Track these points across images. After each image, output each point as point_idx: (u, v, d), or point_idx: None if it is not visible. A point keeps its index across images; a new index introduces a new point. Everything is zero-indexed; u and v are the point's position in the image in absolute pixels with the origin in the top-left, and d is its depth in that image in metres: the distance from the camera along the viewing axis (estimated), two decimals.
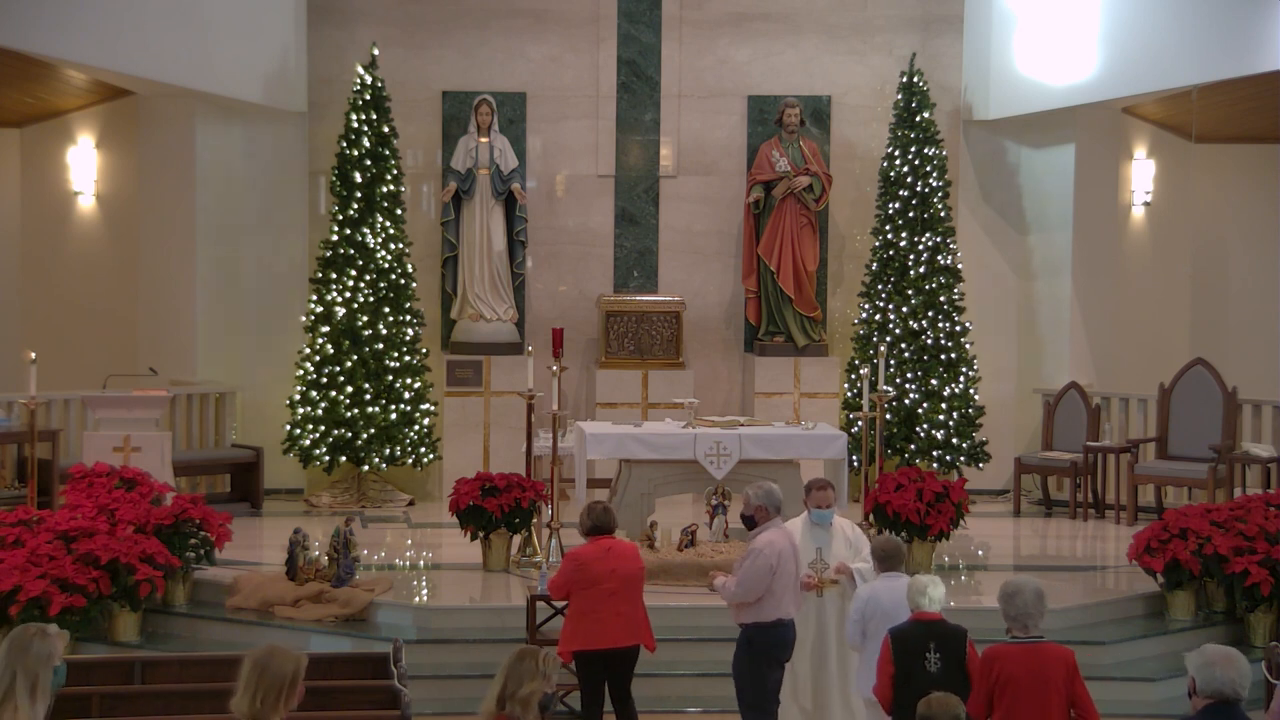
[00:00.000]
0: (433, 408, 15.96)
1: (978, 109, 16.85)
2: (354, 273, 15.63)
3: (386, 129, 15.88)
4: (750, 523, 9.73)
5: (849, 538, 10.04)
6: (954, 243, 16.23)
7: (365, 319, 15.61)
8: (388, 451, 15.65)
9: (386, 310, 15.71)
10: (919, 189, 16.08)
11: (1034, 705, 7.47)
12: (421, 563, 13.67)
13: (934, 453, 15.85)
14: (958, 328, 16.07)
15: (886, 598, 8.97)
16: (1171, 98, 16.16)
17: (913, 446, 15.89)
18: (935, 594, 8.34)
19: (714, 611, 11.82)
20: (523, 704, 6.56)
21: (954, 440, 15.86)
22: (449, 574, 13.10)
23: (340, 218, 15.74)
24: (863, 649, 9.11)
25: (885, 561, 9.20)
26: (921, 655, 8.14)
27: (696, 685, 11.24)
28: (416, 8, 16.61)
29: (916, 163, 16.10)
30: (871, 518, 12.94)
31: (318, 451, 15.59)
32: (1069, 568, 13.76)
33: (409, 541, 14.50)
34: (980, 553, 14.21)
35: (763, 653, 9.54)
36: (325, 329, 15.64)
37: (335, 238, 15.74)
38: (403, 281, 15.84)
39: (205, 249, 16.30)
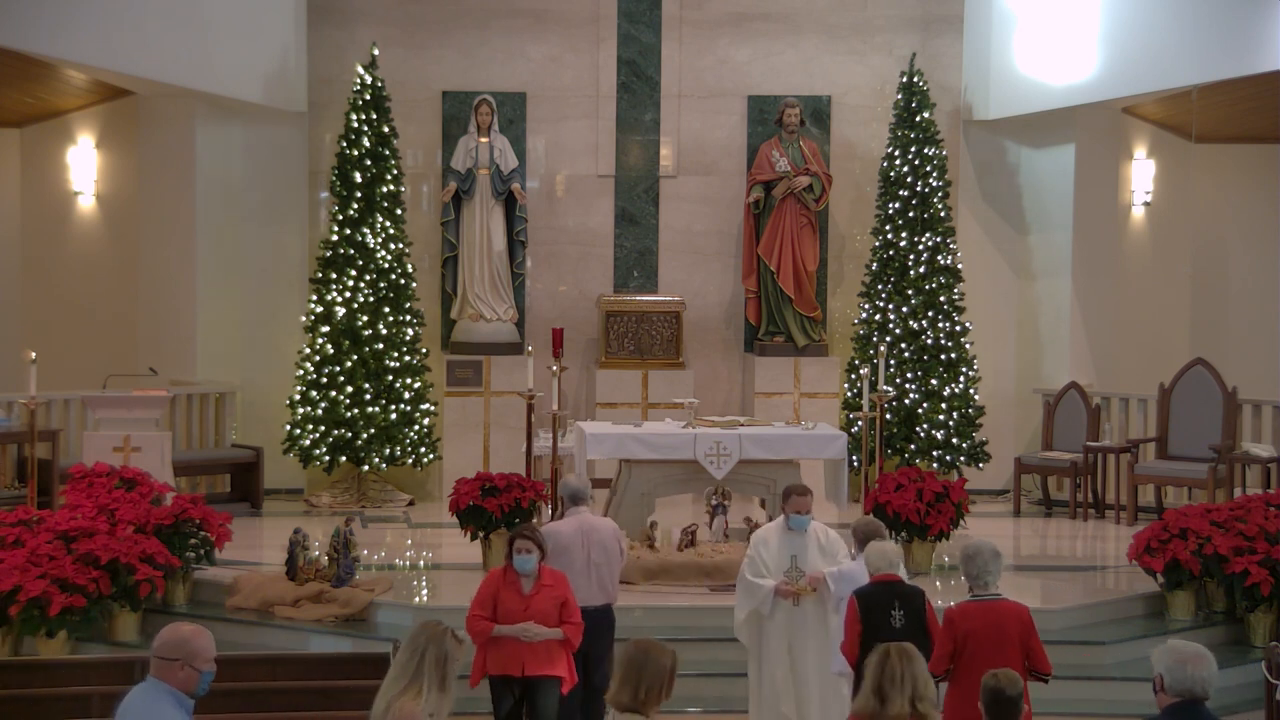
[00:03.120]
0: (433, 408, 15.96)
1: (978, 109, 16.86)
2: (354, 273, 15.63)
3: (386, 129, 15.88)
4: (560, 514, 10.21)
5: (822, 544, 9.98)
6: (954, 243, 16.23)
7: (365, 319, 15.61)
8: (388, 451, 15.65)
9: (386, 310, 15.71)
10: (919, 189, 16.08)
11: (994, 658, 7.92)
12: (421, 563, 13.68)
13: (934, 453, 15.85)
14: (958, 328, 16.06)
15: (863, 578, 9.19)
16: (1171, 98, 16.16)
17: (913, 446, 15.89)
18: (895, 559, 9.00)
19: (714, 611, 11.84)
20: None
21: (954, 440, 15.85)
22: (449, 574, 13.10)
23: (340, 218, 15.74)
24: (835, 624, 9.38)
25: (865, 543, 9.40)
26: (887, 613, 8.74)
27: (697, 685, 11.23)
28: (416, 8, 16.61)
29: (916, 163, 16.10)
30: (871, 518, 12.93)
31: (318, 451, 15.59)
32: (1069, 568, 13.76)
33: (409, 541, 14.50)
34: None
35: None
36: (325, 329, 15.64)
37: (335, 238, 15.74)
38: (403, 281, 15.85)
39: (205, 249, 16.29)
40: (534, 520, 12.96)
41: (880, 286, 16.17)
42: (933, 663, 8.28)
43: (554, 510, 12.94)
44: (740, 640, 10.00)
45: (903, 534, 12.75)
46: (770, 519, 12.87)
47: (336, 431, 15.56)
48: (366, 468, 15.72)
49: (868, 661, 6.58)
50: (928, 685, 6.48)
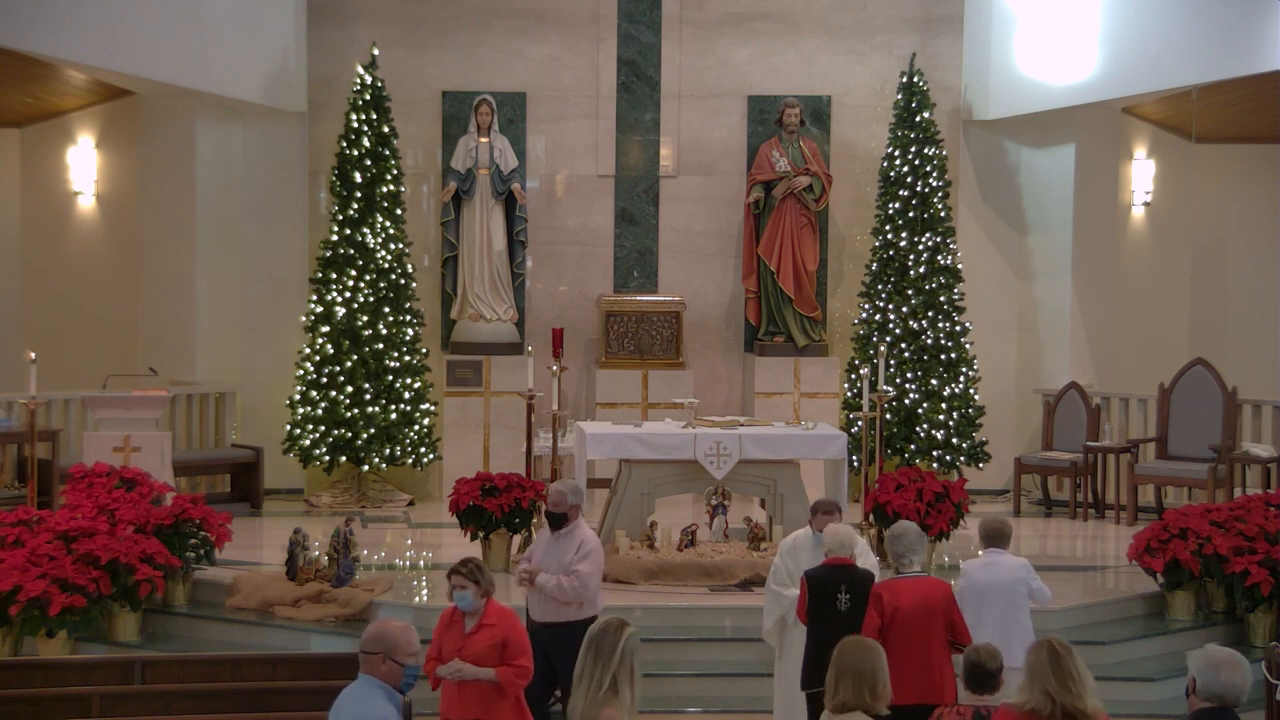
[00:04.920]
0: (433, 408, 15.96)
1: (978, 109, 16.86)
2: (354, 273, 15.63)
3: (386, 129, 15.88)
4: (562, 520, 9.65)
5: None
6: (954, 243, 16.23)
7: (365, 319, 15.61)
8: (388, 451, 15.65)
9: (386, 310, 15.71)
10: (919, 189, 16.08)
11: (919, 629, 8.58)
12: (421, 563, 13.67)
13: (934, 453, 15.85)
14: (958, 328, 16.07)
15: (980, 574, 9.71)
16: (1171, 98, 16.16)
17: (913, 446, 15.89)
18: (849, 542, 9.28)
19: (714, 611, 11.84)
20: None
21: (954, 440, 15.86)
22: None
23: (340, 218, 15.74)
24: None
25: (989, 540, 9.92)
26: (834, 596, 9.10)
27: (696, 685, 11.24)
28: (416, 8, 16.61)
29: (916, 163, 16.10)
30: (871, 518, 12.94)
31: (318, 451, 15.59)
32: (1069, 568, 13.75)
33: (409, 541, 14.50)
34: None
35: None
36: (325, 329, 15.64)
37: (335, 238, 15.74)
38: (403, 281, 15.85)
39: (205, 249, 16.30)
40: (534, 520, 12.97)
41: (880, 286, 16.17)
42: (863, 635, 8.62)
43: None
44: (769, 644, 10.01)
45: None
46: (770, 519, 12.92)
47: (336, 431, 15.56)
48: (366, 468, 15.72)
49: (1033, 659, 6.41)
50: (1089, 677, 6.40)
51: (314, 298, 15.76)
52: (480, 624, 8.24)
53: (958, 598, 9.63)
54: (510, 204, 16.21)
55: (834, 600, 9.09)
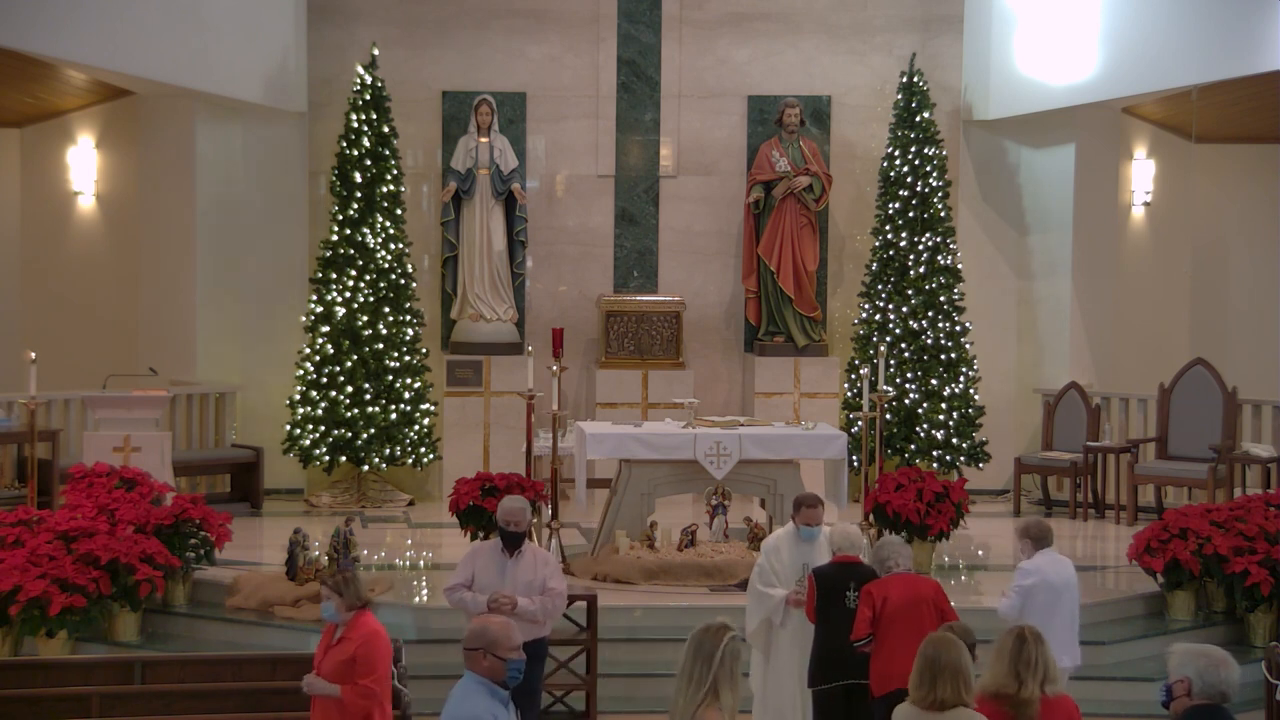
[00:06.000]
0: (433, 408, 15.97)
1: (978, 109, 16.86)
2: (354, 273, 15.64)
3: (386, 129, 15.88)
4: (521, 539, 9.48)
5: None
6: (954, 243, 16.24)
7: (365, 319, 15.61)
8: (388, 451, 15.65)
9: (386, 310, 15.71)
10: (919, 189, 16.08)
11: (910, 618, 8.74)
12: (421, 563, 13.68)
13: (934, 453, 15.85)
14: (958, 328, 16.07)
15: (1053, 573, 9.65)
16: (1171, 98, 16.16)
17: (913, 446, 15.89)
18: (857, 541, 9.46)
19: (714, 612, 11.80)
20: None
21: (954, 440, 15.86)
22: (449, 574, 13.03)
23: (340, 218, 15.74)
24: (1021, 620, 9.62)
25: (1041, 541, 9.79)
26: (842, 593, 9.20)
27: None
28: (416, 8, 16.61)
29: (916, 163, 16.10)
30: (871, 518, 12.94)
31: (318, 451, 15.59)
32: None
33: (409, 541, 14.50)
34: (980, 553, 14.21)
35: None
36: (325, 329, 15.65)
37: (335, 238, 15.74)
38: (403, 281, 15.85)
39: (205, 249, 16.30)
40: (533, 520, 12.96)
41: (880, 286, 16.18)
42: (854, 629, 8.88)
43: (554, 510, 12.92)
44: (754, 646, 9.96)
45: (902, 534, 12.73)
46: (770, 519, 12.92)
47: (336, 431, 15.57)
48: (366, 468, 15.72)
49: (1001, 643, 6.69)
50: (1054, 667, 6.66)
51: (314, 298, 15.76)
52: (341, 637, 8.09)
53: (1020, 595, 9.68)
54: (510, 204, 16.21)
55: (843, 598, 9.15)
